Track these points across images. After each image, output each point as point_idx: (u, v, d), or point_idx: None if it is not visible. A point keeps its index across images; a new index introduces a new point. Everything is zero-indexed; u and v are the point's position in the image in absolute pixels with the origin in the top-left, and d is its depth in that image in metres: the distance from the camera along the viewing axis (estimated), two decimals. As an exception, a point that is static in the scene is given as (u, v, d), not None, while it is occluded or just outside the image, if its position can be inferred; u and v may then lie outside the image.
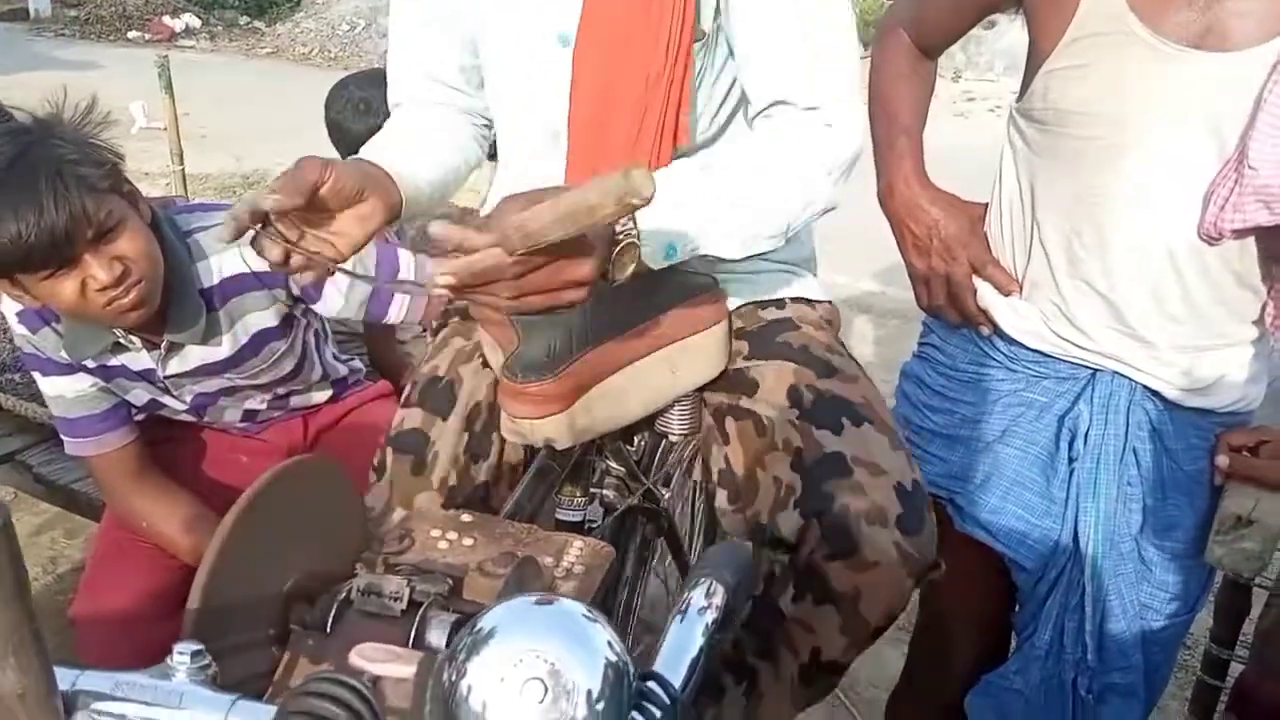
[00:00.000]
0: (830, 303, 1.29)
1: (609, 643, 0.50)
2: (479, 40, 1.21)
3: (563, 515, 1.18)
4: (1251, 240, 1.17)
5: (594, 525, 1.22)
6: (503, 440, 1.17)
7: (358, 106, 2.19)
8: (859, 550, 1.04)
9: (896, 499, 1.05)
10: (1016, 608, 1.38)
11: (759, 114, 1.09)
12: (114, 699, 0.53)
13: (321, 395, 1.77)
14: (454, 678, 0.50)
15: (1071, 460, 1.28)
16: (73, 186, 1.25)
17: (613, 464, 1.25)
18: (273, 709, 0.51)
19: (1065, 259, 1.25)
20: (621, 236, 0.90)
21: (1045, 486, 1.30)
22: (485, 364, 1.20)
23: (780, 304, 1.24)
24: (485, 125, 1.32)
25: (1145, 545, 1.29)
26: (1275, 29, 1.09)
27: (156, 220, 1.42)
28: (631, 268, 0.91)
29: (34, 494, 2.07)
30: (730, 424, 1.18)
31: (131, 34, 12.39)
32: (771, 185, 1.02)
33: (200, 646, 0.55)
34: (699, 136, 1.15)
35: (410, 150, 1.14)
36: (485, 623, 0.51)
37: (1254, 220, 1.11)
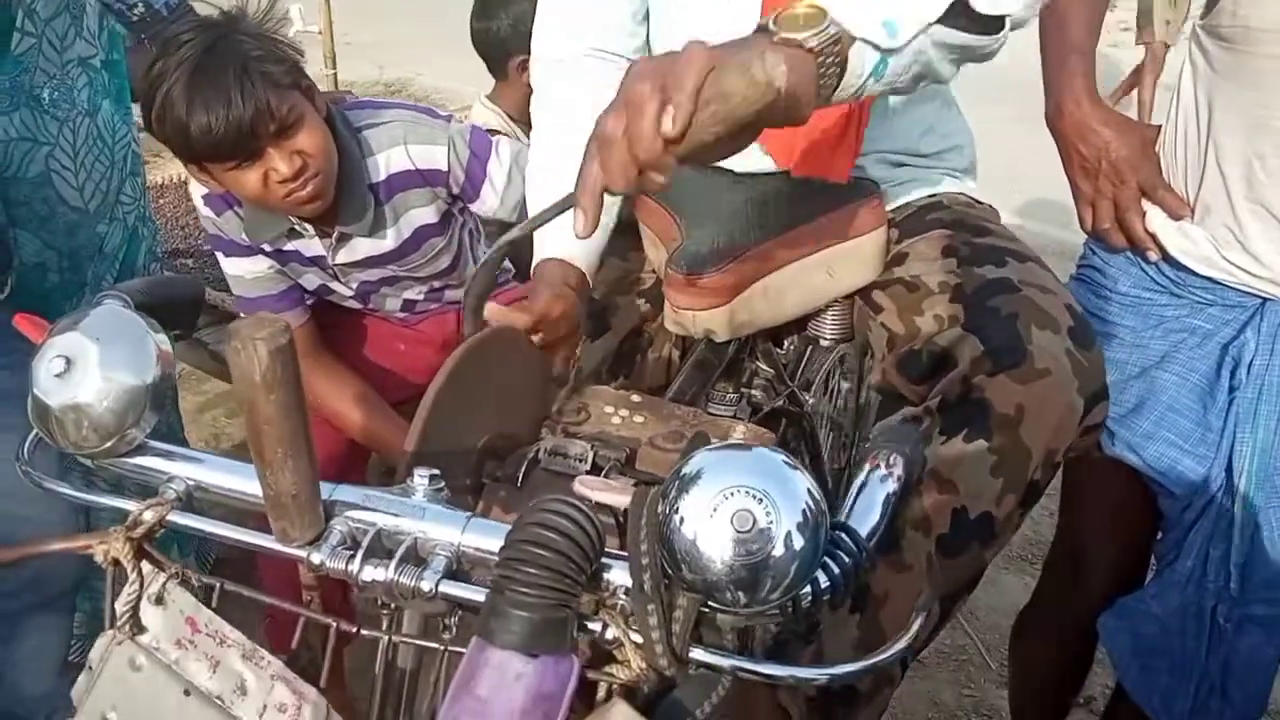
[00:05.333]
0: (989, 205, 1.27)
1: (809, 489, 0.55)
2: None
3: (714, 409, 1.22)
4: None
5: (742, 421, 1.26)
6: (645, 354, 1.20)
7: (504, 20, 2.18)
8: (1027, 357, 0.96)
9: (1068, 313, 1.00)
10: (1160, 534, 1.37)
11: None
12: (365, 509, 0.60)
13: (474, 291, 1.85)
14: (668, 510, 0.55)
15: (1232, 389, 1.25)
16: (258, 82, 1.32)
17: (762, 365, 1.29)
18: (504, 526, 0.57)
19: (1244, 183, 1.21)
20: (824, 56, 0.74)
21: (1202, 414, 1.28)
22: (640, 294, 1.21)
23: (932, 196, 1.24)
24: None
25: (1301, 482, 1.26)
26: None
27: (330, 116, 1.48)
28: (843, 77, 0.77)
29: (206, 369, 2.22)
30: (879, 295, 1.17)
31: (279, -59, 12.68)
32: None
33: (437, 471, 0.61)
34: None
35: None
36: (694, 463, 0.55)
37: None
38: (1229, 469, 1.26)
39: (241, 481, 0.68)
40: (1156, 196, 1.29)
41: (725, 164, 1.16)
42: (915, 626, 0.59)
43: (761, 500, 0.53)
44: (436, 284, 1.76)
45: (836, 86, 0.76)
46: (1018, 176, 1.68)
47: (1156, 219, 1.30)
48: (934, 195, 1.25)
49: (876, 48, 0.77)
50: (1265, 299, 1.24)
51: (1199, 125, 1.26)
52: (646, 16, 1.23)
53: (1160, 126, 1.34)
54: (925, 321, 1.07)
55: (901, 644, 0.59)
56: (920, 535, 0.97)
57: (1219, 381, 1.27)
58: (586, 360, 1.18)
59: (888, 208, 1.23)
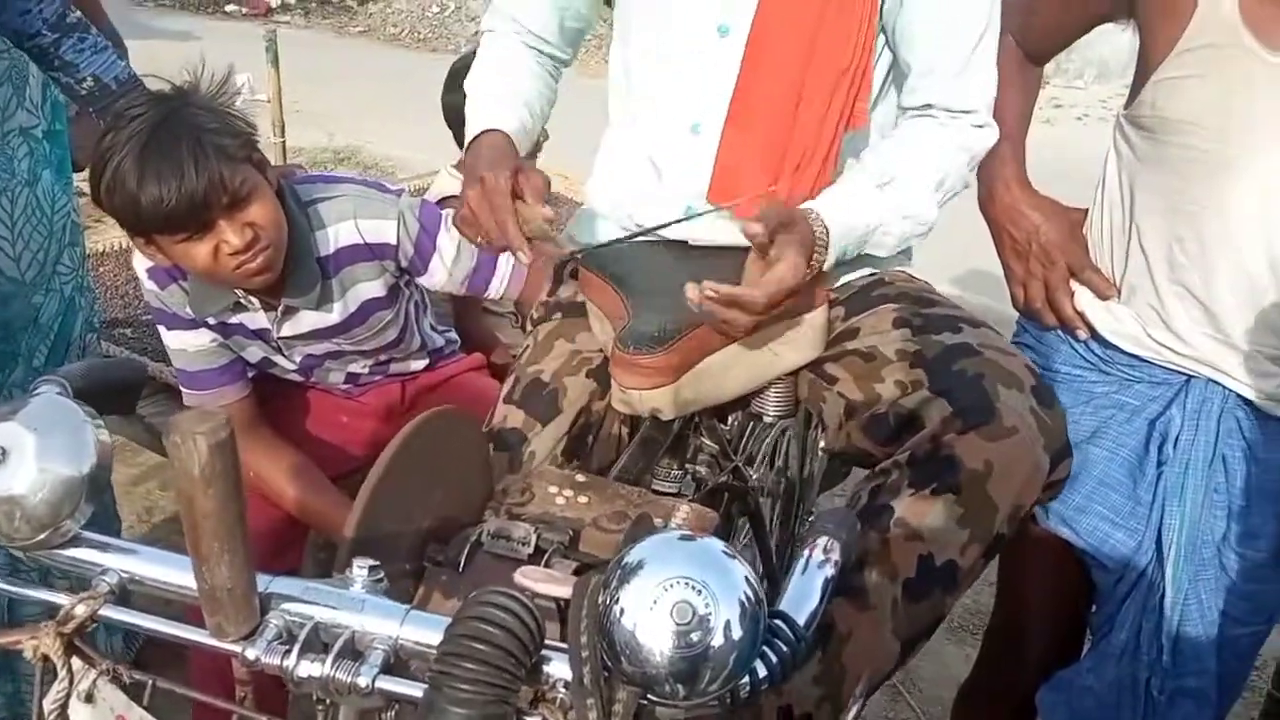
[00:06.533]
0: (927, 282, 1.32)
1: (746, 578, 0.56)
2: (627, 24, 1.26)
3: (659, 486, 1.23)
4: None
5: (686, 497, 1.27)
6: (595, 437, 1.22)
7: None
8: (995, 415, 1.00)
9: (1029, 373, 1.05)
10: (1094, 607, 1.40)
11: (913, 110, 1.16)
12: (303, 601, 0.60)
13: (419, 363, 1.85)
14: (609, 601, 0.55)
15: (1160, 464, 1.30)
16: (211, 154, 1.32)
17: (707, 441, 1.30)
18: (443, 619, 0.57)
19: (1165, 265, 1.27)
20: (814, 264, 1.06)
21: (1132, 489, 1.32)
22: (589, 374, 1.24)
23: (871, 274, 1.28)
24: (561, 66, 1.42)
25: (1227, 552, 1.30)
26: None
27: (280, 189, 1.49)
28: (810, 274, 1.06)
29: (142, 443, 2.18)
30: (833, 367, 1.20)
31: (229, 7, 12.71)
32: (930, 189, 1.12)
33: (376, 563, 0.61)
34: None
35: (514, 103, 1.27)
36: (636, 553, 0.56)
37: None
38: (1159, 542, 1.30)
39: (176, 574, 0.67)
40: (1084, 277, 1.35)
41: (682, 236, 1.22)
42: (853, 714, 0.60)
43: (701, 591, 0.54)
44: (382, 357, 1.76)
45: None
46: (954, 249, 1.75)
47: (1084, 299, 1.35)
48: (874, 273, 1.29)
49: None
50: (1190, 376, 1.29)
51: (1123, 210, 1.32)
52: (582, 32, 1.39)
53: (1087, 210, 1.40)
54: (886, 388, 1.12)
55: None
56: (886, 580, 1.01)
57: (1147, 456, 1.31)
58: (539, 446, 1.19)
59: (831, 286, 1.27)
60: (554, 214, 1.08)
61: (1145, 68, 1.26)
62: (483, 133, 1.21)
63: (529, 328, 1.39)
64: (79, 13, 1.67)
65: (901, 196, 1.12)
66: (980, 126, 1.18)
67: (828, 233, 1.06)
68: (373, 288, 1.61)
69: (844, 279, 1.28)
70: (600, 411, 1.23)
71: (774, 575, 1.38)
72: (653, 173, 1.26)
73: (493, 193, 1.08)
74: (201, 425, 0.53)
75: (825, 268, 1.09)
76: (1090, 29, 1.40)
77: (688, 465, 1.28)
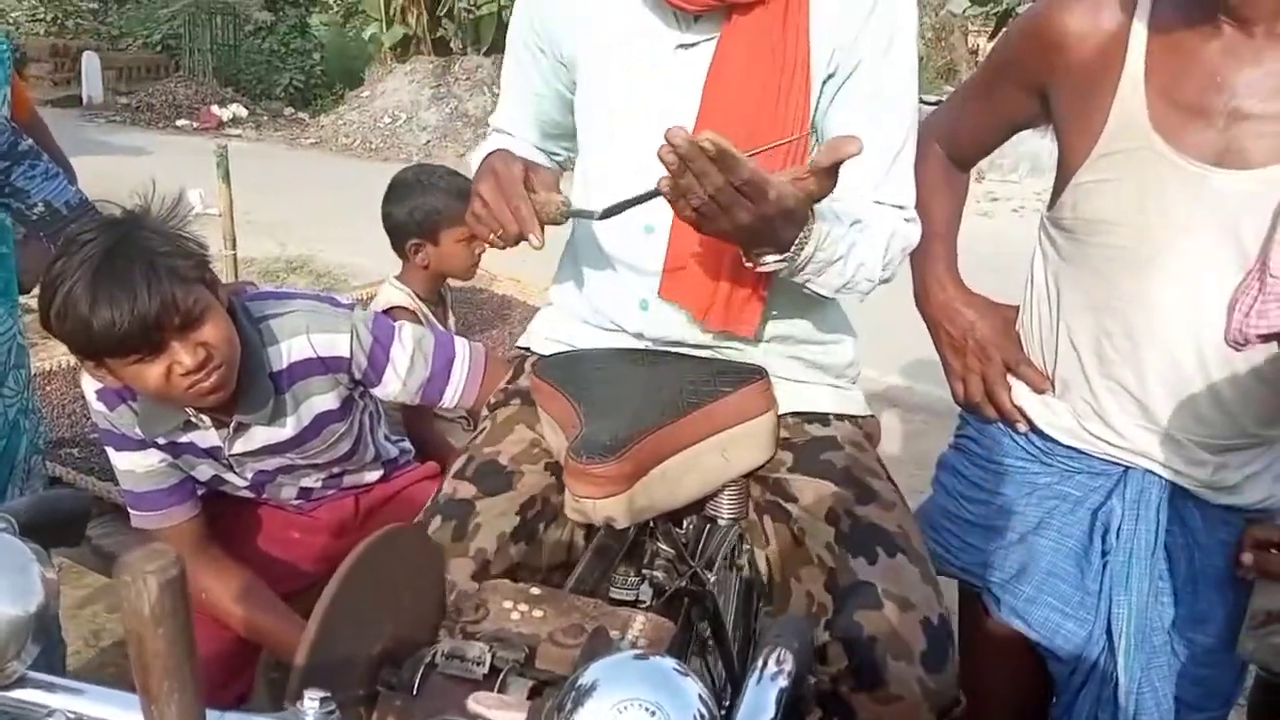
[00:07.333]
0: (872, 416, 1.36)
1: (700, 696, 0.56)
2: (588, 131, 1.31)
3: (616, 594, 1.22)
4: (1275, 344, 1.23)
5: (644, 604, 1.26)
6: (547, 528, 1.22)
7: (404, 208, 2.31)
8: (884, 684, 1.07)
9: (923, 635, 1.10)
10: (1054, 699, 1.41)
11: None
12: (254, 738, 0.59)
13: (373, 475, 1.84)
14: (562, 725, 0.55)
15: (1105, 554, 1.32)
16: (164, 276, 1.33)
17: (663, 546, 1.31)
18: (397, 751, 0.57)
19: (1096, 360, 1.31)
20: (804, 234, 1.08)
21: (1079, 579, 1.34)
22: (547, 467, 1.25)
23: (825, 420, 1.30)
24: (559, 161, 1.50)
25: (1178, 639, 1.32)
26: None
27: (232, 306, 1.50)
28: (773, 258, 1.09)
29: (88, 565, 2.12)
30: (769, 524, 1.24)
31: (180, 122, 12.86)
32: (880, 240, 1.18)
33: (327, 694, 0.61)
34: None
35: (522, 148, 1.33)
36: (589, 675, 0.56)
37: (1278, 326, 1.17)
38: (1109, 632, 1.31)
39: (124, 714, 0.66)
40: (1019, 372, 1.39)
41: (632, 327, 1.26)
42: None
43: (655, 713, 0.54)
44: (335, 470, 1.75)
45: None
46: (900, 338, 1.80)
47: (1021, 392, 1.39)
48: (824, 419, 1.31)
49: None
50: (1127, 467, 1.32)
51: (1051, 307, 1.37)
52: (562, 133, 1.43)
53: (1019, 307, 1.45)
54: (799, 594, 1.17)
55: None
56: None
57: (1092, 546, 1.34)
58: (486, 518, 1.19)
59: (787, 407, 1.29)
60: (567, 199, 1.12)
61: (1064, 172, 1.32)
62: (490, 153, 1.25)
63: (485, 413, 1.40)
64: (30, 140, 1.70)
65: (864, 241, 1.17)
66: (908, 220, 1.24)
67: (812, 219, 1.09)
68: (326, 400, 1.61)
69: (798, 402, 1.30)
70: (556, 507, 1.23)
71: (736, 680, 1.37)
72: (611, 271, 1.30)
73: (506, 181, 1.12)
74: (152, 564, 0.53)
75: (802, 253, 1.10)
76: (1010, 136, 1.48)
77: (645, 571, 1.28)
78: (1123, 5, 1.25)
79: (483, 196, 1.14)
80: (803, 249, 1.09)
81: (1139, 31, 1.23)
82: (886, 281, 1.23)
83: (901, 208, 1.24)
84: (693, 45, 1.21)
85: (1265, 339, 1.21)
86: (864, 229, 1.18)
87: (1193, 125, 1.20)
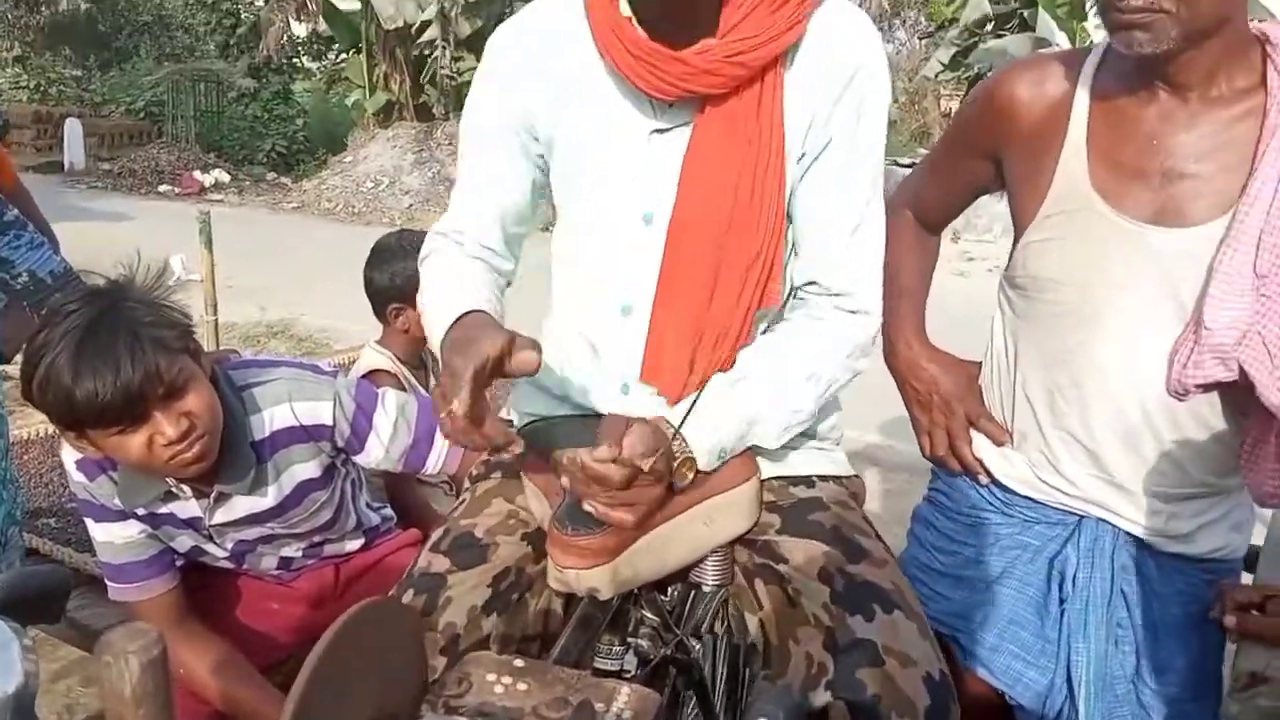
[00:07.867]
0: (856, 476, 1.36)
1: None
2: (564, 213, 1.31)
3: (601, 664, 1.21)
4: (1217, 395, 1.26)
5: (629, 674, 1.25)
6: (522, 598, 1.21)
7: (385, 273, 2.33)
8: None
9: (925, 691, 1.09)
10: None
11: (799, 290, 1.23)
12: (235, 822, 0.58)
13: (354, 544, 1.82)
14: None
15: (1062, 602, 1.34)
16: (148, 347, 1.33)
17: (648, 614, 1.30)
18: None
19: (1049, 412, 1.35)
20: (679, 454, 1.13)
21: (1040, 627, 1.36)
22: (524, 537, 1.24)
23: (810, 482, 1.30)
24: (504, 279, 1.37)
25: (1142, 688, 1.33)
26: (1224, 208, 1.21)
27: (214, 375, 1.50)
28: (690, 475, 1.14)
29: (63, 639, 2.08)
30: (760, 586, 1.23)
31: (162, 187, 12.91)
32: (802, 381, 1.19)
33: (311, 775, 0.60)
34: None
35: (476, 291, 1.21)
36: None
37: (1213, 376, 1.21)
38: (1070, 680, 1.32)
39: (102, 796, 0.65)
40: (980, 425, 1.44)
41: (613, 411, 1.26)
42: None
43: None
44: (316, 539, 1.74)
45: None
46: (879, 398, 1.82)
47: (982, 445, 1.43)
48: (809, 481, 1.31)
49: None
50: (1082, 516, 1.35)
51: (1008, 361, 1.42)
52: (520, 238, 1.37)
53: (981, 363, 1.49)
54: (798, 655, 1.15)
55: None
56: None
57: (1050, 594, 1.36)
58: (457, 591, 1.18)
59: (770, 471, 1.29)
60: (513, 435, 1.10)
61: (1017, 233, 1.38)
62: (459, 317, 1.15)
63: (466, 484, 1.39)
64: (15, 210, 1.71)
65: (777, 390, 1.19)
66: (854, 312, 1.23)
67: (688, 444, 1.14)
68: (308, 469, 1.61)
69: (781, 467, 1.30)
70: (532, 576, 1.22)
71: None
72: (590, 353, 1.31)
73: (467, 397, 1.02)
74: (134, 643, 0.53)
75: (707, 467, 1.16)
76: (973, 199, 1.53)
77: (629, 640, 1.27)
78: (1067, 75, 1.31)
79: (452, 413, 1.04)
80: (696, 456, 1.14)
81: (1082, 99, 1.29)
82: (853, 378, 1.25)
83: (847, 295, 1.22)
84: (667, 130, 1.22)
85: (1203, 389, 1.24)
86: (774, 381, 1.19)
87: (1132, 186, 1.25)
